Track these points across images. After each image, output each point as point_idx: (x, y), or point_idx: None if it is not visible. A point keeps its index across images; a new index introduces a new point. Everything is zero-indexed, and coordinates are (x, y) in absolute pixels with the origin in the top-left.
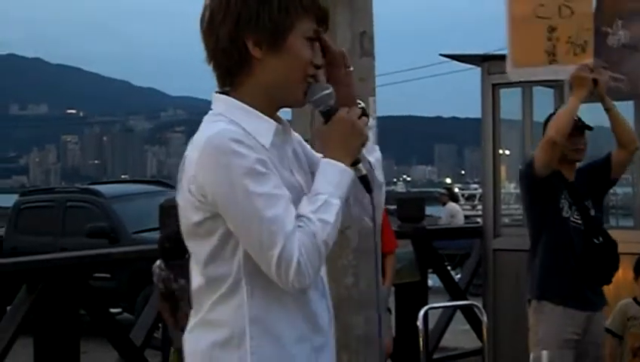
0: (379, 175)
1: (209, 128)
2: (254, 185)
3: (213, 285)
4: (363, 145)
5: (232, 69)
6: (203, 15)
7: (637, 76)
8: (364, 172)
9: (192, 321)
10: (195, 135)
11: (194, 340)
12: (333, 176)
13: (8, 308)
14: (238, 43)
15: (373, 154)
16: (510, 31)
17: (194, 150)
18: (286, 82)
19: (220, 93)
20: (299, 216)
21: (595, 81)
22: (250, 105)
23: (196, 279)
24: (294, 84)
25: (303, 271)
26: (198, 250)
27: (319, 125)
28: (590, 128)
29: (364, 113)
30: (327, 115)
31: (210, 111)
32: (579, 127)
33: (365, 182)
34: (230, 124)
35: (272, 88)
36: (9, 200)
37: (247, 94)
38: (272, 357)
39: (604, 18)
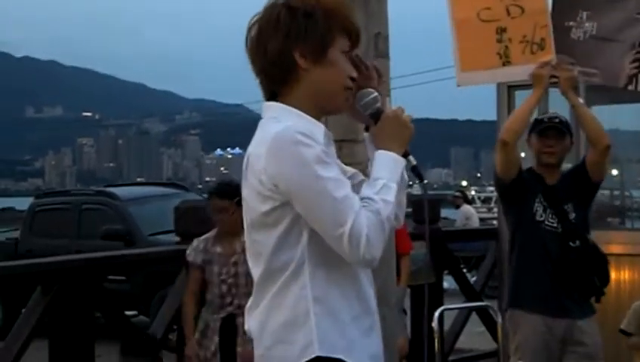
0: (405, 175)
1: (273, 126)
2: (323, 170)
3: (278, 272)
4: (410, 137)
5: (281, 78)
6: (249, 32)
7: (613, 67)
8: (414, 162)
9: (255, 309)
10: (257, 135)
11: (260, 325)
12: (388, 164)
13: (23, 310)
14: (286, 55)
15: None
16: (455, 36)
17: (259, 146)
18: (329, 90)
19: (270, 101)
20: (363, 198)
21: (557, 78)
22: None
23: (257, 269)
24: (336, 92)
25: (372, 244)
26: (264, 239)
27: (371, 128)
28: (560, 130)
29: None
30: (376, 116)
31: (264, 117)
32: (549, 128)
33: (417, 172)
34: (284, 123)
35: (317, 96)
36: (25, 203)
37: (295, 101)
38: (333, 333)
39: (564, 12)
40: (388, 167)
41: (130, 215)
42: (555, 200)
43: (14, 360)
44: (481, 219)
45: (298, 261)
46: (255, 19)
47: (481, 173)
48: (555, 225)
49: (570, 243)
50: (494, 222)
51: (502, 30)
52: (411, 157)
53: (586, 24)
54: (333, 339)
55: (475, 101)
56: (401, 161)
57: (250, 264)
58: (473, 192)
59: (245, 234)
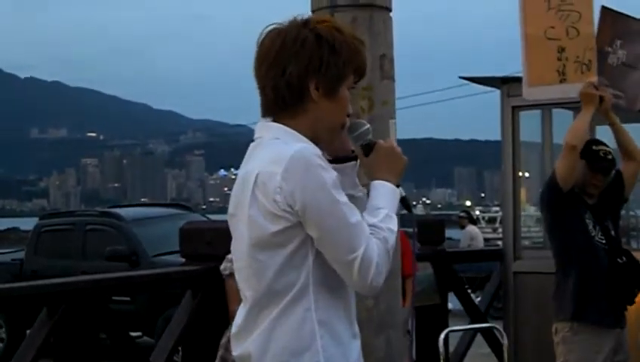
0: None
1: (285, 147)
2: (339, 195)
3: (280, 294)
4: (404, 168)
5: (289, 102)
6: (266, 42)
7: (634, 93)
8: (403, 194)
9: (253, 333)
10: (263, 154)
11: (261, 349)
12: (387, 194)
13: (28, 331)
14: (302, 83)
15: (357, 190)
16: (525, 51)
17: (273, 165)
18: (330, 124)
19: (269, 122)
20: (369, 225)
21: (601, 98)
22: None
23: (254, 291)
24: (335, 127)
25: (380, 271)
26: (269, 259)
27: (362, 159)
28: (615, 169)
29: (355, 156)
30: (368, 148)
31: (264, 136)
32: (607, 168)
33: (405, 203)
34: (297, 143)
35: (317, 127)
36: (29, 224)
37: (295, 126)
38: (337, 354)
39: (605, 38)
40: (387, 197)
41: (135, 236)
42: (599, 217)
43: None
44: (486, 240)
45: (303, 283)
46: (276, 32)
47: (484, 193)
48: (603, 241)
49: (619, 260)
50: (499, 242)
51: (562, 49)
52: (401, 189)
53: (619, 51)
54: None
55: (478, 121)
56: (397, 192)
57: (243, 285)
58: (478, 212)
59: (242, 254)
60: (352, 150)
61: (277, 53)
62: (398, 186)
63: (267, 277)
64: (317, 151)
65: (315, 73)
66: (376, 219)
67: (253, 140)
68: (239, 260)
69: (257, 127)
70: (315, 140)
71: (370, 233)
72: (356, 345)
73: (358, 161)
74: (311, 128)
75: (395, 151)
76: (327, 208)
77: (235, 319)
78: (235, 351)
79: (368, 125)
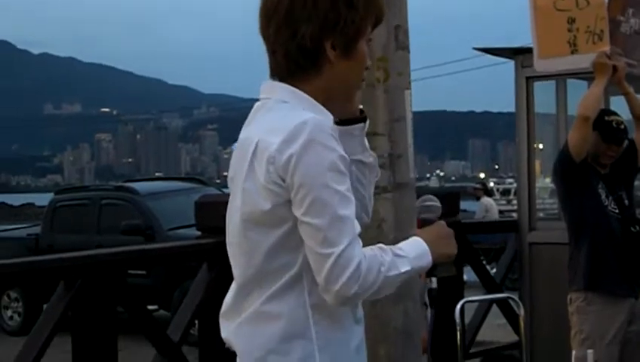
0: (376, 167)
1: (293, 114)
2: (334, 181)
3: (272, 276)
4: (449, 257)
5: (303, 65)
6: (277, 4)
7: None
8: (434, 286)
9: (237, 318)
10: (271, 120)
11: (248, 335)
12: (419, 253)
13: (44, 305)
14: (317, 44)
15: (367, 155)
16: (535, 23)
17: (274, 135)
18: (349, 83)
19: (277, 82)
20: (380, 247)
21: (615, 67)
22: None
23: (244, 269)
24: (353, 85)
25: (355, 280)
26: (260, 238)
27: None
28: (628, 140)
29: (364, 117)
30: (429, 223)
31: (270, 99)
32: (620, 138)
33: (432, 295)
34: (308, 112)
35: (334, 88)
36: (44, 199)
37: (308, 89)
38: (335, 340)
39: (616, 7)
40: (417, 254)
41: (150, 210)
42: (612, 187)
43: (38, 355)
44: (500, 211)
45: (299, 267)
46: None
47: (498, 165)
48: (617, 210)
49: (632, 229)
50: (513, 214)
51: (572, 20)
52: (434, 280)
53: (632, 20)
54: (336, 351)
55: (492, 93)
56: (427, 261)
57: (233, 262)
58: (492, 184)
59: (234, 229)
60: (360, 110)
61: (287, 16)
62: (434, 274)
63: (257, 258)
64: (328, 124)
65: (331, 32)
66: (390, 249)
67: (258, 100)
68: (230, 234)
69: (263, 86)
70: (330, 100)
71: (373, 250)
72: (359, 331)
73: (367, 123)
74: (325, 91)
75: (450, 236)
76: (316, 190)
77: (226, 297)
78: (223, 333)
79: (440, 205)
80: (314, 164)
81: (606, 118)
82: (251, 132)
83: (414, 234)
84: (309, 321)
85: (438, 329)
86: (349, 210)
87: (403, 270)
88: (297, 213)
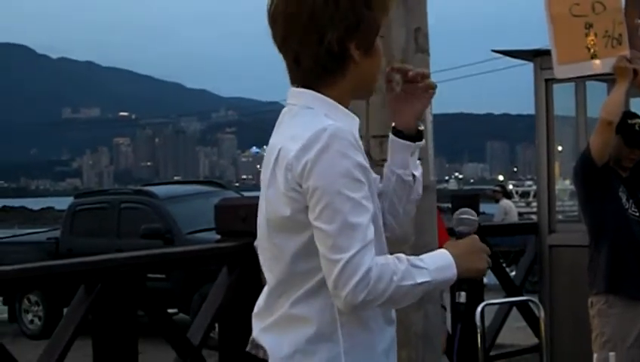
0: (419, 188)
1: (314, 121)
2: (347, 188)
3: (300, 280)
4: (478, 273)
5: (330, 68)
6: (300, 6)
7: None
8: (462, 300)
9: (268, 319)
10: (294, 126)
11: (277, 336)
12: (440, 262)
13: (64, 309)
14: (344, 46)
15: (417, 169)
16: (552, 31)
17: (294, 142)
18: (372, 81)
19: (302, 88)
20: (397, 256)
21: (635, 71)
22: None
23: (274, 273)
24: (374, 79)
25: (364, 286)
26: (285, 243)
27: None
28: None
29: (420, 135)
30: (464, 235)
31: (296, 105)
32: (638, 142)
33: (459, 310)
34: (329, 119)
35: (359, 87)
36: (63, 203)
37: (335, 92)
38: (360, 343)
39: (633, 11)
40: (439, 266)
41: (169, 213)
42: (632, 190)
43: (59, 359)
44: (520, 214)
45: None
46: None
47: (517, 168)
48: (637, 214)
49: None
50: (532, 216)
51: (589, 25)
52: (463, 294)
53: None
54: (362, 354)
55: (511, 95)
56: (452, 277)
57: (264, 266)
58: (511, 186)
59: (262, 234)
60: (418, 129)
61: (310, 19)
62: (463, 289)
63: (284, 263)
64: (348, 130)
65: (354, 33)
66: (407, 258)
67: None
68: (260, 239)
69: (290, 92)
70: (355, 97)
71: (387, 259)
72: (388, 334)
73: (422, 142)
74: (351, 92)
75: (482, 251)
76: (328, 196)
77: (258, 299)
78: (254, 332)
79: (477, 220)
80: (327, 170)
81: (629, 121)
82: (276, 139)
83: (435, 238)
84: (336, 324)
85: (459, 333)
86: (362, 218)
87: (420, 281)
88: (311, 217)
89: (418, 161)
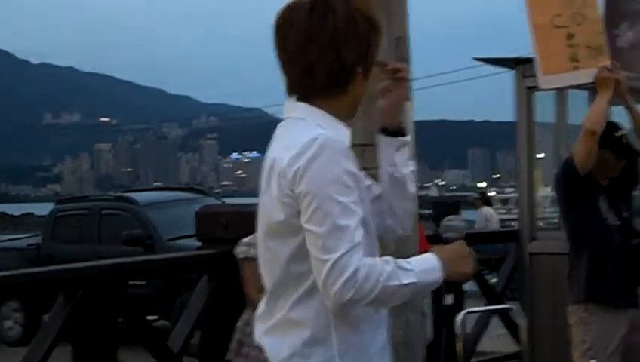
0: (411, 186)
1: (307, 131)
2: (337, 193)
3: (295, 283)
4: (463, 276)
5: (341, 83)
6: (323, 21)
7: None
8: (449, 302)
9: (268, 322)
10: (288, 137)
11: (276, 339)
12: (426, 265)
13: (44, 316)
14: (354, 67)
15: (407, 167)
16: (535, 41)
17: (286, 151)
18: (360, 102)
19: (297, 101)
20: (384, 259)
21: (617, 81)
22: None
23: (271, 277)
24: (360, 103)
25: (351, 286)
26: (279, 247)
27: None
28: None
29: (402, 131)
30: (450, 241)
31: (291, 117)
32: (629, 153)
33: (444, 312)
34: (321, 129)
35: (352, 107)
36: (44, 209)
37: (331, 107)
38: (355, 346)
39: (612, 21)
40: (425, 269)
41: (150, 220)
42: (612, 199)
43: None
44: (501, 220)
45: None
46: (324, 7)
47: (498, 174)
48: (617, 223)
49: (632, 241)
50: (513, 223)
51: (571, 36)
52: (450, 297)
53: (628, 33)
54: (355, 356)
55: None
56: (437, 279)
57: (262, 271)
58: (492, 193)
59: (260, 240)
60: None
61: (333, 36)
62: (450, 289)
63: (279, 267)
64: (339, 140)
65: (365, 55)
66: (394, 261)
67: (276, 121)
68: (258, 246)
69: (285, 106)
70: (350, 116)
71: (375, 260)
72: (381, 335)
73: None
74: (347, 108)
75: (468, 255)
76: (319, 200)
77: (260, 302)
78: (256, 334)
79: (464, 225)
80: (318, 176)
81: (615, 134)
82: (271, 151)
83: (416, 246)
84: (330, 328)
85: (437, 339)
86: (350, 221)
87: (406, 281)
88: (302, 220)
89: (409, 161)
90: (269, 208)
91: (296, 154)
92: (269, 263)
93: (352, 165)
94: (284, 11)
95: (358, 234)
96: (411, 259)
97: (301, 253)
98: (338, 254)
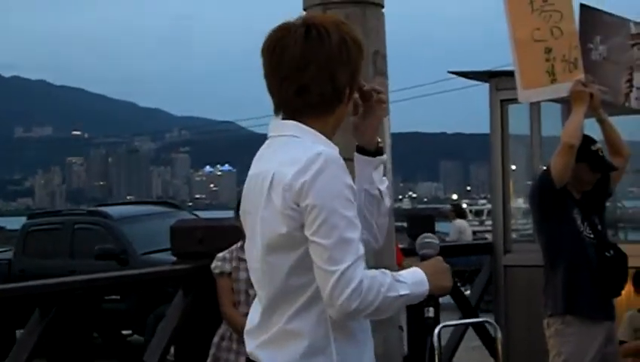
0: (387, 201)
1: (309, 147)
2: (342, 207)
3: (293, 296)
4: (444, 290)
5: (331, 104)
6: (321, 43)
7: (618, 87)
8: (431, 314)
9: (262, 336)
10: (287, 153)
11: (273, 352)
12: (416, 278)
13: (18, 331)
14: (345, 88)
15: (383, 183)
16: (516, 55)
17: (290, 166)
18: (341, 122)
19: (285, 120)
20: (381, 271)
21: (591, 95)
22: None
23: (267, 290)
24: (344, 118)
25: (357, 296)
26: (280, 261)
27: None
28: (615, 169)
29: (380, 150)
30: (427, 258)
31: (284, 135)
32: (605, 167)
33: (427, 323)
34: (317, 145)
35: (337, 125)
36: (14, 223)
37: (319, 126)
38: (352, 355)
39: (586, 35)
40: (415, 281)
41: (124, 234)
42: (586, 212)
43: None
44: (473, 233)
45: (317, 285)
46: (318, 30)
47: (470, 187)
48: (591, 235)
49: (607, 253)
50: (487, 235)
51: (549, 50)
52: (432, 309)
53: (600, 47)
54: None
55: (464, 115)
56: (423, 291)
57: (257, 285)
58: (465, 205)
59: (256, 255)
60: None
61: (327, 59)
62: (430, 302)
63: (279, 279)
64: (339, 157)
65: (354, 77)
66: (390, 273)
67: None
68: (252, 260)
69: (272, 125)
70: (329, 138)
71: (375, 273)
72: (369, 344)
73: (384, 156)
74: (331, 128)
75: (447, 270)
76: (325, 213)
77: (250, 316)
78: (248, 347)
79: (438, 242)
80: (324, 190)
81: (592, 147)
82: (265, 166)
83: (394, 260)
84: (329, 338)
85: (414, 353)
86: (354, 234)
87: (402, 293)
88: (308, 232)
89: (384, 177)
90: (271, 222)
91: (301, 169)
92: (267, 277)
93: (350, 180)
94: (274, 34)
95: (361, 247)
96: (401, 272)
97: (301, 266)
98: (345, 266)
